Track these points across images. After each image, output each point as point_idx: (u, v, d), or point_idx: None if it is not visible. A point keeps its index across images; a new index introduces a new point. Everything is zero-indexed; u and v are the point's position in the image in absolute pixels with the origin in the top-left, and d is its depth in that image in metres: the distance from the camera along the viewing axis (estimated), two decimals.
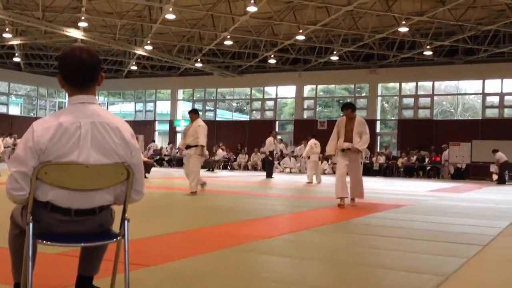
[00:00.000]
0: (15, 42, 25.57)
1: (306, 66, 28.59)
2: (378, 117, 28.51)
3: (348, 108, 9.00)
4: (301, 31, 22.19)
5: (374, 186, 14.84)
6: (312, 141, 17.07)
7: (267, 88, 31.46)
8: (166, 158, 29.87)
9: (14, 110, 33.57)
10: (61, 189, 2.39)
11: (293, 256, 4.48)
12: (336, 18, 21.17)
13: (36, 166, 2.34)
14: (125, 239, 2.53)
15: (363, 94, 29.30)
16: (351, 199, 8.83)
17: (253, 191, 12.49)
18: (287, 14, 21.85)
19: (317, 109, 30.36)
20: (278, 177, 19.47)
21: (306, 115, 30.08)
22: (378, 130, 28.37)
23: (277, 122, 30.70)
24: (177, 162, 29.39)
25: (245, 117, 33.88)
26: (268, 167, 19.46)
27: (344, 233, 5.91)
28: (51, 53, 29.42)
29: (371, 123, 27.75)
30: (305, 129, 28.57)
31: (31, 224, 2.33)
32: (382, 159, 25.46)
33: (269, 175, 18.78)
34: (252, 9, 18.81)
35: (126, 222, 2.55)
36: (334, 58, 26.28)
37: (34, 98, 34.80)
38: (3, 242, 2.84)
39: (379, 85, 28.34)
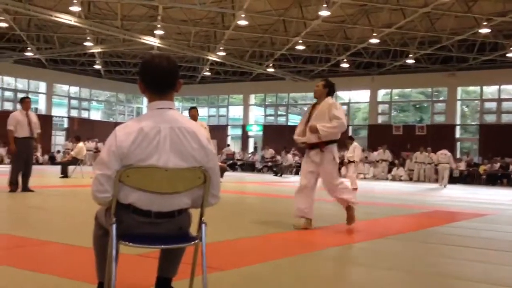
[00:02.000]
0: (95, 50, 26.72)
1: (380, 70, 28.05)
2: (458, 122, 27.51)
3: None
4: (375, 34, 21.80)
5: (453, 194, 14.30)
6: (354, 145, 15.85)
7: (339, 93, 31.10)
8: (239, 163, 30.19)
9: (95, 115, 35.08)
10: (142, 191, 2.45)
11: (367, 265, 4.36)
12: (412, 20, 20.63)
13: (119, 169, 2.42)
14: (202, 242, 2.56)
15: (441, 98, 28.38)
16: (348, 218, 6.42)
17: (323, 196, 12.34)
18: (360, 17, 21.54)
19: (392, 114, 29.71)
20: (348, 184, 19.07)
21: (380, 120, 29.51)
22: (457, 135, 27.37)
23: (350, 127, 30.27)
24: (249, 166, 29.66)
25: None
26: None
27: (422, 242, 5.70)
28: (129, 60, 30.53)
29: (450, 128, 26.87)
30: (379, 134, 28.06)
31: (114, 226, 2.40)
32: (462, 166, 24.52)
33: None
34: (324, 13, 18.69)
35: (203, 225, 2.58)
36: (410, 61, 25.61)
37: (113, 104, 36.22)
38: (88, 242, 2.95)
39: (459, 89, 27.35)
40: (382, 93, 29.69)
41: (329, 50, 26.35)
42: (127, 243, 2.43)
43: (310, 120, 6.18)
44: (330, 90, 6.41)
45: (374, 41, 22.28)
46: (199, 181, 2.54)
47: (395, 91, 29.64)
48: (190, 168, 2.51)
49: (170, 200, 2.50)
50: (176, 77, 2.60)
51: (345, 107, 30.58)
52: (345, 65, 27.08)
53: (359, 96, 30.98)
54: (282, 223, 6.95)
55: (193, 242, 2.58)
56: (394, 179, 24.87)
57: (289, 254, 4.56)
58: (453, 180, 22.62)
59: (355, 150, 15.50)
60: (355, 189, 14.58)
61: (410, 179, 24.39)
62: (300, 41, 23.43)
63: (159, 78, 2.57)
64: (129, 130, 2.46)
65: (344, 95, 31.06)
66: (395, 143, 26.88)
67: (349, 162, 15.71)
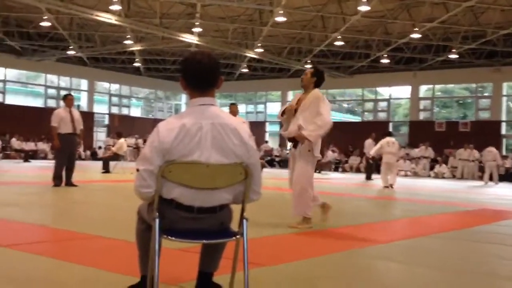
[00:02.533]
0: (135, 48, 27.11)
1: (422, 65, 27.54)
2: (504, 118, 26.77)
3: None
4: (416, 29, 21.41)
5: (500, 191, 13.93)
6: (386, 140, 14.96)
7: (379, 89, 30.73)
8: (277, 159, 30.15)
9: (135, 112, 35.64)
10: (184, 187, 2.46)
11: (410, 263, 4.27)
12: (455, 14, 20.17)
13: (161, 165, 2.43)
14: (243, 238, 2.55)
15: (485, 94, 27.69)
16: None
17: (363, 193, 12.21)
18: (401, 12, 21.20)
19: (434, 110, 29.14)
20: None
21: (422, 116, 29.00)
22: (503, 132, 26.64)
23: (390, 124, 29.85)
24: (287, 163, 29.57)
25: (356, 119, 33.32)
26: (368, 169, 19.34)
27: (467, 241, 5.55)
28: (168, 57, 30.88)
29: (495, 124, 26.16)
30: (421, 131, 27.59)
31: (157, 220, 2.42)
32: (508, 163, 23.85)
33: (369, 177, 18.60)
34: (364, 8, 18.47)
35: (244, 221, 2.58)
36: (453, 56, 25.05)
37: (152, 101, 36.72)
38: (130, 236, 2.98)
39: (504, 84, 26.62)
40: (424, 89, 29.16)
41: (369, 46, 26.03)
42: (169, 237, 2.44)
43: (296, 114, 5.68)
44: (319, 80, 5.76)
45: (416, 36, 21.87)
46: (240, 177, 2.53)
47: (437, 86, 29.06)
48: (231, 164, 2.51)
49: (211, 195, 2.51)
50: (217, 74, 2.61)
51: (385, 103, 30.19)
52: (385, 61, 26.70)
53: (400, 92, 30.52)
54: (320, 220, 6.89)
55: (234, 238, 2.58)
56: (436, 176, 24.41)
57: (329, 251, 4.51)
58: (499, 177, 22.01)
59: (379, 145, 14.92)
60: (386, 187, 14.09)
61: (453, 177, 23.88)
62: (339, 37, 23.22)
63: (200, 75, 2.57)
64: (171, 126, 2.47)
65: (384, 91, 30.65)
66: (438, 140, 26.35)
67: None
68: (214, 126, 2.49)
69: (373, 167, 19.29)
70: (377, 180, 17.65)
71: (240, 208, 2.63)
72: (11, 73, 29.14)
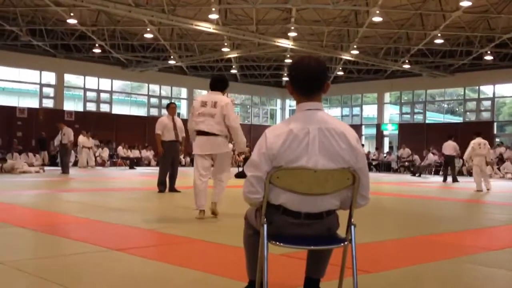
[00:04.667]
0: (232, 55, 27.71)
1: None
2: None
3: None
4: None
5: None
6: (476, 141, 13.92)
7: (482, 87, 29.20)
8: (374, 163, 29.53)
9: None
10: (291, 193, 2.47)
11: None
12: None
13: (269, 171, 2.45)
14: (352, 244, 2.52)
15: None
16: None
17: (480, 198, 11.64)
18: (505, 6, 20.03)
19: None
20: (495, 184, 17.82)
21: None
22: None
23: (495, 124, 28.27)
24: (385, 166, 28.90)
25: (457, 119, 31.89)
26: (450, 169, 18.75)
27: None
28: (263, 63, 31.26)
29: None
30: None
31: (265, 226, 2.44)
32: None
33: (454, 179, 18.06)
34: (465, 3, 17.66)
35: (352, 227, 2.55)
36: None
37: (248, 107, 37.31)
38: (234, 241, 3.04)
39: None
40: None
41: (471, 42, 24.84)
42: (277, 243, 2.46)
43: None
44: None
45: None
46: (348, 182, 2.50)
47: None
48: (339, 169, 2.48)
49: (319, 201, 2.50)
50: (324, 79, 2.60)
51: (489, 102, 28.66)
52: (488, 58, 25.34)
53: (505, 90, 28.81)
54: (424, 225, 6.66)
55: (342, 244, 2.55)
56: None
57: (436, 258, 4.34)
58: None
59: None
60: (478, 190, 13.27)
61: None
62: (439, 35, 22.34)
63: (308, 80, 2.57)
64: (278, 132, 2.49)
65: (487, 89, 29.08)
66: None
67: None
68: (322, 131, 2.48)
69: (453, 168, 18.76)
70: (464, 184, 16.71)
71: (348, 214, 2.60)
72: (117, 84, 30.85)
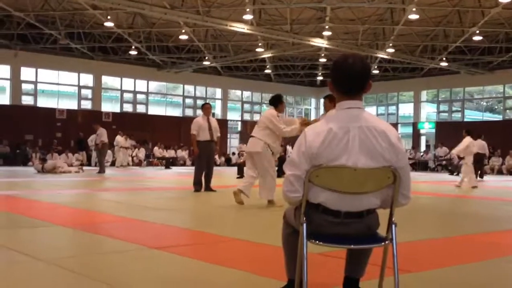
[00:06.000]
0: (266, 55, 27.73)
1: None
2: None
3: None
4: None
5: None
6: (468, 139, 13.98)
7: None
8: (410, 162, 29.10)
9: None
10: (331, 191, 2.45)
11: None
12: None
13: (309, 169, 2.44)
14: (393, 243, 2.49)
15: None
16: None
17: (497, 195, 11.35)
18: None
19: None
20: None
21: None
22: None
23: None
24: (421, 165, 28.47)
25: (497, 117, 31.14)
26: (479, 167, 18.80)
27: None
28: (297, 63, 31.18)
29: None
30: None
31: (305, 225, 2.43)
32: None
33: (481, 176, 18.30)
34: (505, 0, 17.23)
35: (393, 226, 2.51)
36: None
37: None
38: (272, 240, 3.03)
39: None
40: None
41: (510, 39, 24.23)
42: (317, 242, 2.44)
43: None
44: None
45: None
46: (389, 180, 2.46)
47: None
48: (380, 167, 2.44)
49: (359, 200, 2.47)
50: (367, 79, 2.56)
51: None
52: None
53: None
54: (464, 224, 6.53)
55: (383, 243, 2.52)
56: None
57: (478, 259, 4.26)
58: None
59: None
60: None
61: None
62: (477, 32, 21.88)
63: (352, 79, 2.53)
64: (318, 130, 2.47)
65: None
66: None
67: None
68: (362, 130, 2.45)
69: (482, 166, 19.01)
70: (495, 182, 16.32)
71: (389, 213, 2.57)
72: (153, 85, 31.27)
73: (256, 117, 34.73)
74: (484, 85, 29.97)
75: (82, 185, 12.70)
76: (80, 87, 27.94)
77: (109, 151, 21.83)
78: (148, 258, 4.02)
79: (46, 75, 26.95)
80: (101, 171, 17.19)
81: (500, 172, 25.18)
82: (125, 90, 29.56)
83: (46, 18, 23.37)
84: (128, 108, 29.75)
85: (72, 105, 27.74)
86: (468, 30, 21.90)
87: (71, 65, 26.72)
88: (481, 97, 31.48)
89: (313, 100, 37.57)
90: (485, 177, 20.36)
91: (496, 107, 32.92)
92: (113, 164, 23.98)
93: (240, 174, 16.29)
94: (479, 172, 19.22)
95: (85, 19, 24.02)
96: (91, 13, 21.97)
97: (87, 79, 28.35)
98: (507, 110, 29.19)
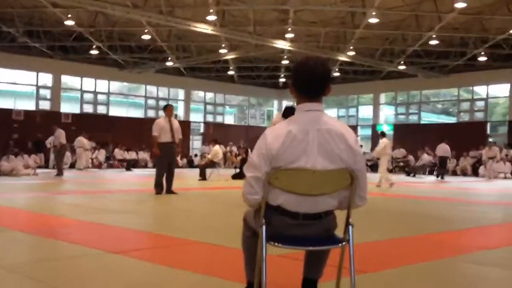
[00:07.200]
0: (229, 56, 27.68)
1: None
2: None
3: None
4: None
5: None
6: (385, 141, 15.13)
7: (476, 88, 29.32)
8: (369, 163, 29.55)
9: (229, 120, 36.37)
10: (290, 193, 2.48)
11: None
12: None
13: (268, 172, 2.47)
14: (349, 244, 2.55)
15: None
16: None
17: (468, 197, 11.69)
18: (499, 7, 20.11)
19: None
20: (500, 183, 17.88)
21: None
22: None
23: (488, 124, 28.38)
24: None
25: (452, 119, 31.99)
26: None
27: None
28: (260, 64, 31.27)
29: None
30: None
31: (264, 227, 2.46)
32: None
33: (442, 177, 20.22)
34: (460, 5, 17.72)
35: (350, 227, 2.57)
36: None
37: (245, 108, 37.32)
38: (230, 242, 3.06)
39: None
40: None
41: (465, 44, 24.94)
42: (276, 244, 2.48)
43: None
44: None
45: None
46: (346, 182, 2.52)
47: None
48: (338, 169, 2.49)
49: (317, 202, 2.51)
50: (328, 82, 2.59)
51: (482, 102, 28.80)
52: (482, 59, 25.44)
53: (498, 91, 28.97)
54: (422, 225, 6.70)
55: (340, 244, 2.57)
56: None
57: (432, 258, 4.37)
58: None
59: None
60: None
61: None
62: (434, 36, 22.43)
63: (312, 82, 2.56)
64: (278, 133, 2.49)
65: (481, 90, 29.21)
66: None
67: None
68: (321, 132, 2.49)
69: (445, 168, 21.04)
70: (458, 183, 16.83)
71: (346, 214, 2.62)
72: (114, 86, 30.79)
73: (219, 119, 34.75)
74: (440, 88, 30.74)
75: (40, 188, 12.43)
76: (38, 87, 27.28)
77: (67, 153, 21.40)
78: (106, 263, 3.98)
79: (2, 74, 26.24)
80: (59, 173, 16.86)
81: (454, 173, 25.89)
82: (85, 91, 29.00)
83: (4, 15, 22.76)
84: (88, 109, 29.21)
85: (30, 105, 27.05)
86: (425, 34, 22.43)
87: (29, 64, 26.04)
88: (437, 100, 32.26)
89: (275, 102, 37.75)
90: (446, 178, 20.94)
91: (451, 109, 33.82)
92: (72, 166, 23.52)
93: (202, 176, 16.26)
94: (441, 173, 20.81)
95: (45, 17, 23.48)
96: (51, 11, 21.50)
97: (46, 78, 27.70)
98: (461, 113, 30.01)
